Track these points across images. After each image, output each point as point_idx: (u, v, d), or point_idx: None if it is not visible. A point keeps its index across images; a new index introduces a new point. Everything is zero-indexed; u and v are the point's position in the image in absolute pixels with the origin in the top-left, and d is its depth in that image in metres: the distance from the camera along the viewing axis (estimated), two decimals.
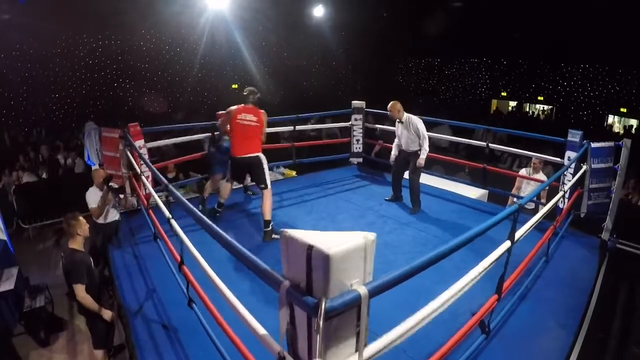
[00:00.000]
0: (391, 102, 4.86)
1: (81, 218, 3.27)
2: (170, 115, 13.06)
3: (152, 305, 3.21)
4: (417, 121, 4.76)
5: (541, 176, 5.15)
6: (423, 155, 4.71)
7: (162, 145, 6.17)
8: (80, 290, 3.11)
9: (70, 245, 3.22)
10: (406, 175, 5.03)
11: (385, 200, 5.23)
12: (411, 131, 4.74)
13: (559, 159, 4.62)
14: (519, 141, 8.21)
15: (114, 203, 4.38)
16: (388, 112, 4.91)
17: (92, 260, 3.38)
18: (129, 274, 3.71)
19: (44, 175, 8.06)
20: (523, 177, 5.28)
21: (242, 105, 4.24)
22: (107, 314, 3.27)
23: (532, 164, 5.22)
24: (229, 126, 4.23)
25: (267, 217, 4.17)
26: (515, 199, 5.25)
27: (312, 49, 16.78)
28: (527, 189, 5.25)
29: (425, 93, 17.44)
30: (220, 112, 4.77)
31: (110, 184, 4.32)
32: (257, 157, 4.23)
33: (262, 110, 4.31)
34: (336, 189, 5.75)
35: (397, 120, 4.87)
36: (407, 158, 4.92)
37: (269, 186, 4.26)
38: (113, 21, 11.69)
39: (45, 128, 11.58)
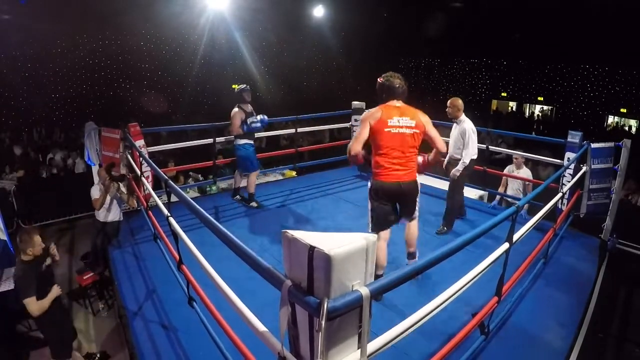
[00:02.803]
0: (452, 98, 4.26)
1: (36, 237, 3.11)
2: (169, 116, 13.05)
3: (152, 305, 3.22)
4: (472, 128, 4.19)
5: (524, 171, 5.22)
6: (460, 167, 4.16)
7: (162, 142, 6.17)
8: (31, 304, 2.98)
9: (22, 257, 3.12)
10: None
11: None
12: (463, 136, 4.17)
13: (558, 160, 4.63)
14: (520, 143, 8.22)
15: (115, 194, 4.40)
16: (447, 109, 4.27)
17: (48, 268, 3.31)
18: (129, 274, 3.71)
19: (44, 175, 8.06)
20: (509, 175, 5.33)
21: (388, 102, 2.97)
22: (54, 292, 3.19)
23: (513, 160, 5.28)
24: (371, 141, 3.04)
25: None
26: (509, 199, 5.33)
27: (313, 50, 16.77)
28: (513, 186, 5.40)
29: (425, 93, 17.42)
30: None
31: (113, 172, 4.35)
32: (416, 182, 3.15)
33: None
34: (336, 189, 5.75)
35: (453, 120, 4.30)
36: (447, 167, 4.43)
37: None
38: (113, 21, 11.69)
39: (45, 128, 11.57)
